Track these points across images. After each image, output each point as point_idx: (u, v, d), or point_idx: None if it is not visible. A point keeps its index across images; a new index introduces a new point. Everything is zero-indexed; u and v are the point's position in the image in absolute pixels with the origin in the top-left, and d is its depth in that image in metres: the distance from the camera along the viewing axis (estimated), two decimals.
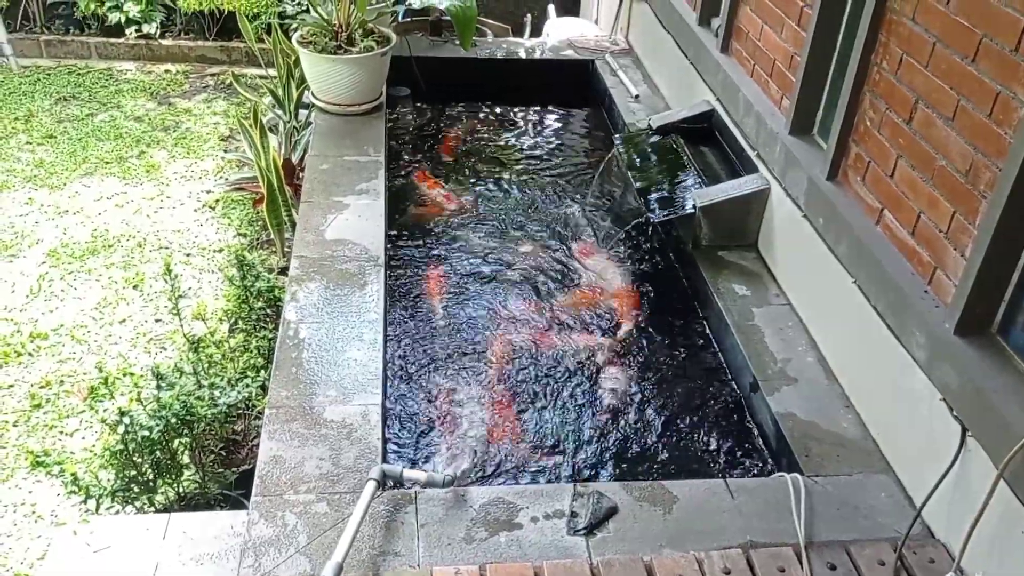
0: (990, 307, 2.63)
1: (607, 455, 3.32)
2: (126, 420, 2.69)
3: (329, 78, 4.92)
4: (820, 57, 3.64)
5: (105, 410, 2.76)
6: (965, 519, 2.51)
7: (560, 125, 6.01)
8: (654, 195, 4.22)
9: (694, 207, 4.01)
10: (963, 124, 2.71)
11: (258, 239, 5.00)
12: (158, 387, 2.89)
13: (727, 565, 2.59)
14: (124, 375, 3.88)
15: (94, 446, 3.56)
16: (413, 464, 3.22)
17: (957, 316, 2.66)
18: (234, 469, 3.18)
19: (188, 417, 2.93)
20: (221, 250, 4.91)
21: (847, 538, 2.74)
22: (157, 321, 4.35)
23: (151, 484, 2.91)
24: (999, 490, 2.39)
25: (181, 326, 3.44)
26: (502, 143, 5.65)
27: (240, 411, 3.41)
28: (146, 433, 2.79)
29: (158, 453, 2.90)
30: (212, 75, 7.09)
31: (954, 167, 2.75)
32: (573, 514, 2.75)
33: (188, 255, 4.89)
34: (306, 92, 5.25)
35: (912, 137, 2.98)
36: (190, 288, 4.59)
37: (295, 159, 5.00)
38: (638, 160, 4.54)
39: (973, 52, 2.67)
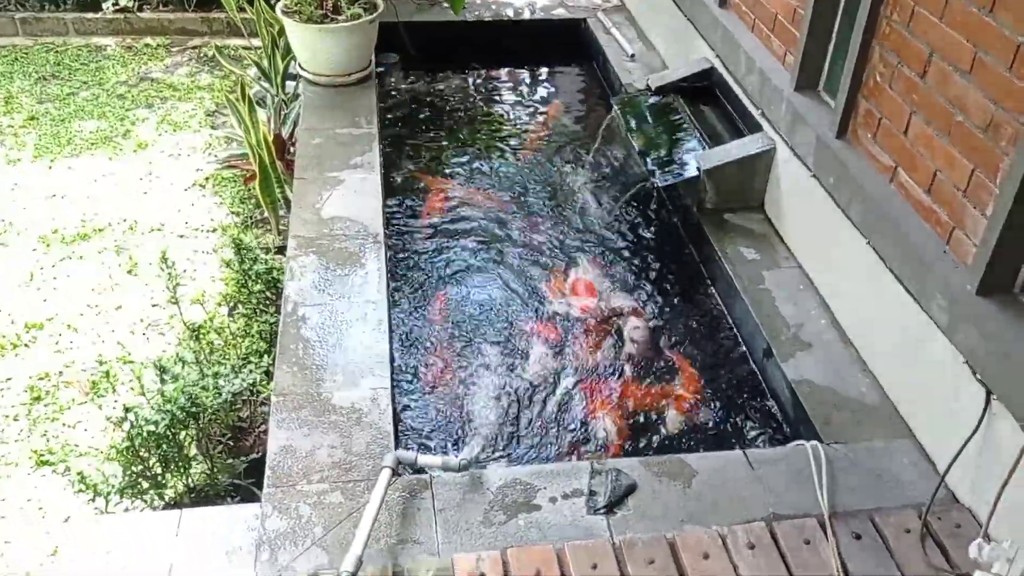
0: (1013, 266, 2.57)
1: (620, 427, 3.26)
2: (131, 417, 2.62)
3: (316, 48, 4.78)
4: (825, 9, 3.53)
5: (105, 406, 2.69)
6: (990, 484, 2.47)
7: (555, 88, 5.88)
8: (657, 159, 4.13)
9: (698, 170, 3.91)
10: (982, 78, 2.62)
11: (252, 217, 4.89)
12: (161, 381, 2.81)
13: (751, 540, 2.55)
14: (124, 363, 3.80)
15: (96, 438, 3.49)
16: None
17: (979, 276, 2.60)
18: (243, 458, 3.11)
19: (194, 409, 2.86)
20: (215, 230, 4.80)
21: (871, 506, 2.70)
22: (154, 306, 4.25)
23: (159, 478, 2.85)
24: None
25: (181, 315, 3.35)
26: (493, 110, 5.52)
27: (245, 398, 3.35)
28: (152, 428, 2.71)
29: (165, 447, 2.84)
30: (194, 47, 6.90)
31: (973, 123, 2.66)
32: (592, 492, 2.70)
33: (181, 236, 4.78)
34: (292, 63, 5.10)
35: (927, 92, 2.89)
36: (185, 271, 4.48)
37: (285, 133, 4.87)
38: (638, 123, 4.44)
39: (991, 2, 2.57)
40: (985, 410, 2.56)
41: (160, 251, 3.18)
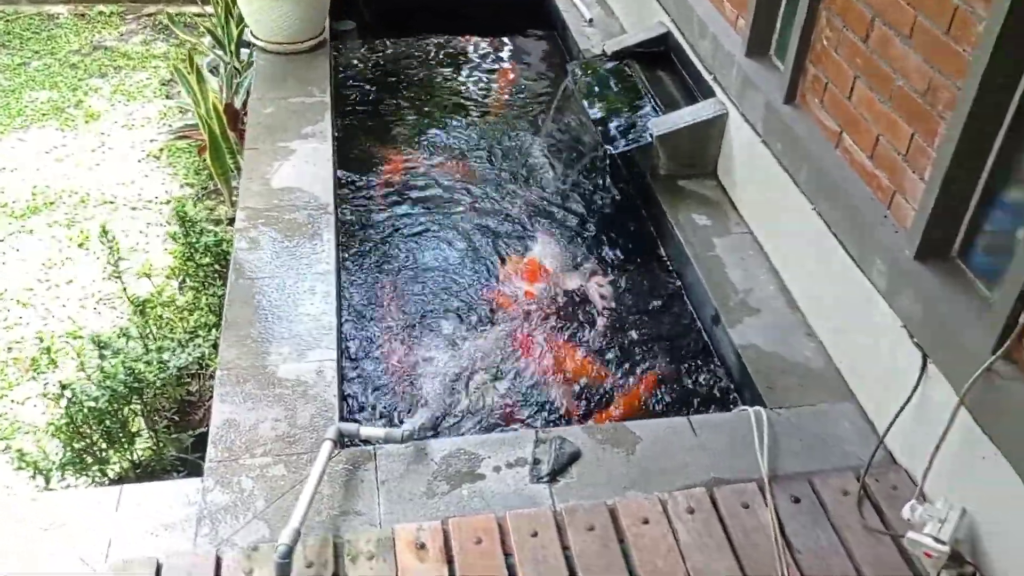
0: (950, 231, 2.58)
1: (567, 396, 3.27)
2: (68, 393, 2.59)
3: (267, 14, 4.69)
4: None
5: (47, 383, 2.66)
6: (926, 445, 2.51)
7: (513, 55, 5.81)
8: (611, 125, 4.10)
9: (651, 136, 3.89)
10: (921, 42, 2.61)
11: (206, 188, 4.82)
12: (101, 356, 2.78)
13: (691, 504, 2.57)
14: (74, 338, 3.76)
15: (44, 415, 3.46)
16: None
17: (917, 241, 2.61)
18: (190, 432, 3.10)
19: (136, 384, 2.83)
20: (168, 202, 4.73)
21: (811, 469, 2.73)
22: (106, 280, 4.20)
23: (102, 455, 2.83)
24: (960, 416, 2.38)
25: (124, 290, 3.31)
26: (451, 78, 5.45)
27: (194, 371, 3.32)
28: (92, 404, 2.69)
29: (108, 422, 2.81)
30: (149, 15, 6.77)
31: (912, 87, 2.66)
32: (536, 461, 2.71)
33: (134, 209, 4.71)
34: (247, 30, 5.01)
35: (869, 56, 2.88)
36: (138, 243, 4.43)
37: (238, 103, 4.79)
38: (593, 89, 4.40)
39: None
40: (922, 374, 2.59)
41: (100, 225, 3.13)
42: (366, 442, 2.76)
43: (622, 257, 3.93)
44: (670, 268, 3.83)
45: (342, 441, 2.71)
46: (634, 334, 3.52)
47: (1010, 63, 2.27)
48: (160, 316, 3.59)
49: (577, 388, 3.29)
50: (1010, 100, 2.32)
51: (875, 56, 2.84)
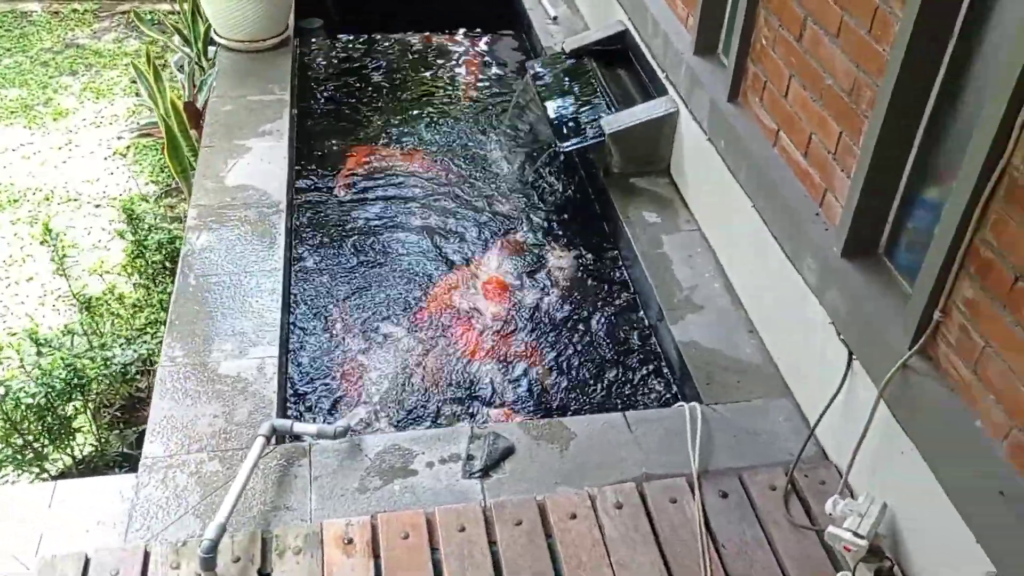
0: (875, 228, 2.61)
1: (514, 390, 3.30)
2: (1, 390, 2.62)
3: (229, 12, 4.71)
4: None
5: None
6: (853, 441, 2.53)
7: (479, 52, 5.83)
8: (565, 123, 4.12)
9: (602, 134, 3.91)
10: (847, 41, 2.64)
11: (169, 186, 4.85)
12: (38, 353, 2.81)
13: (619, 500, 2.60)
14: (30, 336, 3.79)
15: None
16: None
17: (843, 238, 2.63)
18: (134, 428, 3.13)
19: (77, 380, 2.86)
20: (132, 200, 4.76)
21: (744, 464, 2.76)
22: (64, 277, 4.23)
23: (43, 451, 2.86)
24: (880, 411, 2.41)
25: (70, 287, 3.33)
26: (415, 76, 5.46)
27: (144, 368, 3.35)
28: (30, 400, 2.72)
29: (48, 419, 2.84)
30: (123, 12, 6.78)
31: (839, 86, 2.68)
32: (469, 457, 2.74)
33: (97, 206, 4.74)
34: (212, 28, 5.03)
35: (803, 56, 2.90)
36: (100, 240, 4.46)
37: (201, 101, 4.81)
38: (549, 87, 4.42)
39: None
40: (847, 370, 2.62)
41: (43, 223, 3.16)
42: (298, 438, 2.79)
43: (574, 255, 3.95)
44: (621, 266, 3.85)
45: (278, 437, 2.74)
46: (580, 330, 3.55)
47: (925, 62, 2.29)
48: (113, 313, 3.61)
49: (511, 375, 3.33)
50: (927, 99, 2.35)
51: (807, 55, 2.86)
